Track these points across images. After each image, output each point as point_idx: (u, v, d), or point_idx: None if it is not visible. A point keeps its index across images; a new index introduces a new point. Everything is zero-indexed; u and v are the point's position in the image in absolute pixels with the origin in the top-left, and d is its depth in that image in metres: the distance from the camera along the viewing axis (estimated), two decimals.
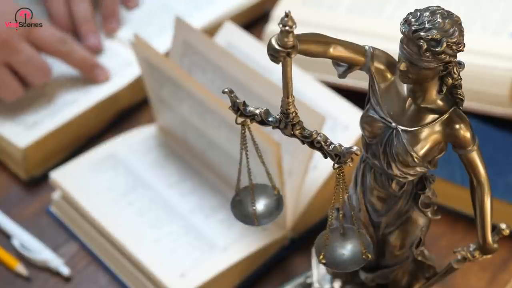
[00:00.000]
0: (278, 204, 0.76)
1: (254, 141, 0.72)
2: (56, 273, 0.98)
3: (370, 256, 0.71)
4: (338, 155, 0.67)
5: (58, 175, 1.02)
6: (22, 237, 1.00)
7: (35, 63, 1.06)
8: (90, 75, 1.11)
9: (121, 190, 1.01)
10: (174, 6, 1.20)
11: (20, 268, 0.98)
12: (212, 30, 1.12)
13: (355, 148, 0.66)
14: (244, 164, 0.73)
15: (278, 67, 0.64)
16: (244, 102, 0.69)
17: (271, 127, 0.69)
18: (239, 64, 0.96)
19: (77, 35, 1.15)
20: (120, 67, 1.13)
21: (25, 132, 1.06)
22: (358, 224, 0.73)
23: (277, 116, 0.69)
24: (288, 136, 0.69)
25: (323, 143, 0.67)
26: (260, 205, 0.76)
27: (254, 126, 0.71)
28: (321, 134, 0.68)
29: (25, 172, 1.06)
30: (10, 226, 1.01)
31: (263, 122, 0.69)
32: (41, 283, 0.97)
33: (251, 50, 1.05)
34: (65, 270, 0.97)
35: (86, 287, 0.97)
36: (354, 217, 0.73)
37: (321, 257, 0.72)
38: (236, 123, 0.70)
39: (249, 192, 0.76)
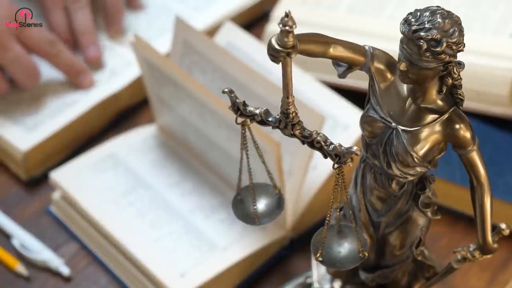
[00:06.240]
0: (279, 203, 0.76)
1: (255, 141, 0.73)
2: (56, 273, 0.98)
3: (367, 254, 0.71)
4: (338, 155, 0.67)
5: (58, 175, 1.02)
6: (22, 237, 1.00)
7: (23, 63, 1.06)
8: (75, 80, 1.09)
9: (121, 190, 1.01)
10: (175, 8, 1.20)
11: (20, 268, 0.98)
12: (212, 31, 1.12)
13: (355, 148, 0.66)
14: (244, 164, 0.74)
15: (278, 67, 0.64)
16: (244, 102, 0.69)
17: (271, 127, 0.69)
18: (239, 64, 0.96)
19: (77, 46, 1.14)
20: (120, 67, 1.13)
21: (26, 134, 1.06)
22: (358, 224, 0.73)
23: (277, 116, 0.69)
24: (288, 136, 0.69)
25: (323, 143, 0.68)
26: (261, 204, 0.76)
27: (254, 126, 0.71)
28: (321, 134, 0.68)
29: (25, 172, 1.06)
30: (10, 226, 1.01)
31: (263, 122, 0.69)
32: (41, 283, 0.97)
33: (251, 50, 1.05)
34: (65, 270, 0.97)
35: (86, 287, 0.97)
36: (353, 216, 0.73)
37: (318, 255, 0.72)
38: (236, 123, 0.70)
39: (250, 192, 0.76)
